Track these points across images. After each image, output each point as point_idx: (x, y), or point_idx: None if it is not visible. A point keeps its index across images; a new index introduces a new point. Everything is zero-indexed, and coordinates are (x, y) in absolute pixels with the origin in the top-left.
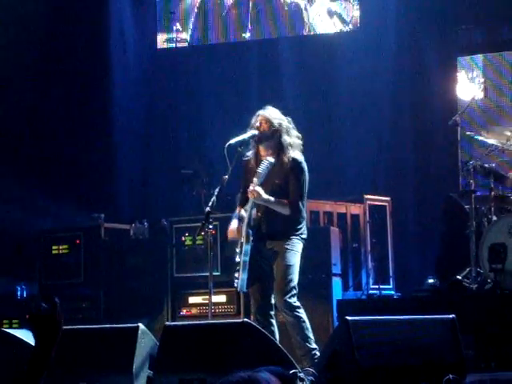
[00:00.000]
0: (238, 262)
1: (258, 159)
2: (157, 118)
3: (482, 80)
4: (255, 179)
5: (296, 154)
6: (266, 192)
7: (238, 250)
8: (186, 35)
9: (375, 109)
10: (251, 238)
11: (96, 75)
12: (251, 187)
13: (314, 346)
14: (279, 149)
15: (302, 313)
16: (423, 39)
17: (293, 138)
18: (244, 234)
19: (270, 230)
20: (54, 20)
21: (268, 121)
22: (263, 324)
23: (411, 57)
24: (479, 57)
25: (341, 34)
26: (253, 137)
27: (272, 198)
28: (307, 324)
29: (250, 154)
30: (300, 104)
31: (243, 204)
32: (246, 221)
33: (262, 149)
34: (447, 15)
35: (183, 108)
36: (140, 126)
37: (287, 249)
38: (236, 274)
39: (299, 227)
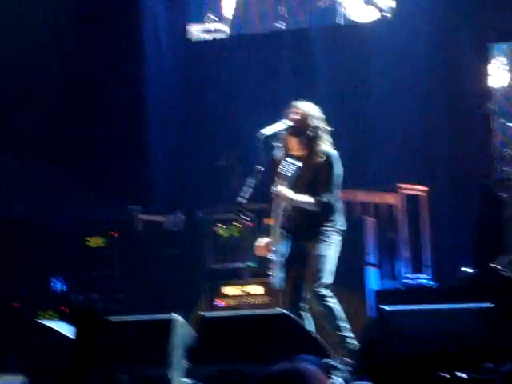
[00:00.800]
0: (272, 261)
1: (288, 154)
2: (192, 109)
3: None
4: (281, 182)
5: (329, 148)
6: (300, 190)
7: (265, 252)
8: (223, 26)
9: (409, 97)
10: (283, 237)
11: (130, 66)
12: (276, 189)
13: (345, 333)
14: (311, 145)
15: (330, 301)
16: (457, 26)
17: (325, 134)
18: (276, 233)
19: (302, 227)
20: (86, 12)
21: (306, 117)
22: (297, 316)
23: (445, 44)
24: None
25: (374, 23)
26: (287, 128)
27: (298, 198)
28: (337, 312)
29: (279, 150)
30: (333, 93)
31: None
32: (277, 222)
33: (293, 143)
34: (482, 2)
35: (218, 99)
36: (175, 117)
37: (320, 239)
38: (271, 272)
39: (332, 218)
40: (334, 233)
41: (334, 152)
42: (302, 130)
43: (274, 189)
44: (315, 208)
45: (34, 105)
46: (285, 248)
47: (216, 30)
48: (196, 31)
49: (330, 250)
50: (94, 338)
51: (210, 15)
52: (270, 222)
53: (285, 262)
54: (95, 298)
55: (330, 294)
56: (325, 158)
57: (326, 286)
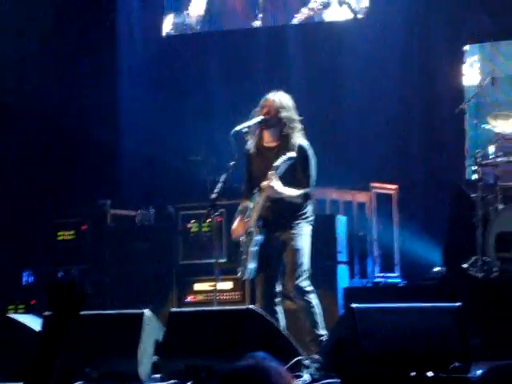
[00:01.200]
0: (244, 251)
1: (260, 145)
2: (164, 104)
3: (492, 69)
4: (272, 173)
5: (301, 140)
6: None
7: (243, 239)
8: (193, 21)
9: (382, 97)
10: (261, 228)
11: (102, 61)
12: (267, 182)
13: (321, 332)
14: (284, 136)
15: (312, 298)
16: (431, 27)
17: (297, 124)
18: (254, 224)
19: (277, 219)
20: (59, 8)
21: (277, 107)
22: (268, 312)
23: (419, 45)
24: (486, 45)
25: (349, 22)
26: (260, 123)
27: (287, 191)
28: (317, 309)
29: (251, 142)
30: (307, 91)
31: (248, 196)
32: (257, 212)
33: (266, 135)
34: (456, 3)
35: (191, 94)
36: (147, 111)
37: (294, 233)
38: (242, 263)
39: (305, 211)
40: (306, 224)
41: (306, 143)
42: (273, 121)
43: (266, 182)
44: (299, 200)
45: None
46: (260, 237)
47: (186, 26)
48: (168, 25)
49: (305, 241)
50: (69, 325)
51: (184, 11)
52: (245, 203)
53: (258, 252)
54: (75, 275)
55: (311, 287)
56: (298, 150)
57: (307, 278)
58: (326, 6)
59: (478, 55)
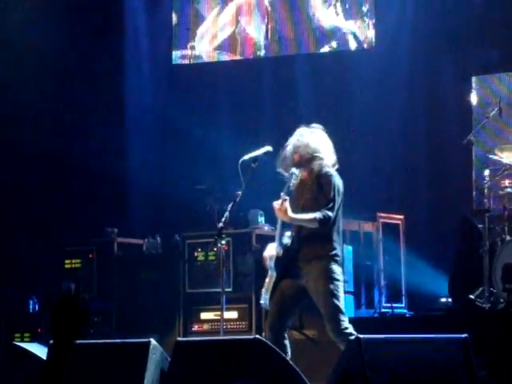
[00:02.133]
0: (267, 282)
1: (298, 181)
2: (171, 133)
3: (497, 100)
4: (282, 193)
5: (328, 167)
6: (297, 209)
7: (271, 265)
8: (200, 52)
9: (389, 127)
10: (280, 257)
11: (111, 90)
12: (275, 204)
13: None
14: (311, 167)
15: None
16: (438, 58)
17: (321, 159)
18: (276, 252)
19: (305, 251)
20: (69, 37)
21: (302, 153)
22: (275, 342)
23: (426, 76)
24: (492, 77)
25: (356, 52)
26: (266, 153)
27: (297, 216)
28: None
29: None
30: (313, 121)
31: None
32: (277, 239)
33: (303, 173)
34: (462, 35)
35: (198, 124)
36: (154, 140)
37: (327, 276)
38: (264, 290)
39: (333, 247)
40: (335, 264)
41: (334, 172)
42: (302, 162)
43: (275, 203)
44: (314, 225)
45: (21, 125)
46: (278, 265)
47: (195, 57)
48: (176, 56)
49: (338, 285)
50: (70, 346)
51: (191, 41)
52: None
53: (275, 281)
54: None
55: (352, 330)
56: (323, 175)
57: (347, 322)
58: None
59: (485, 85)
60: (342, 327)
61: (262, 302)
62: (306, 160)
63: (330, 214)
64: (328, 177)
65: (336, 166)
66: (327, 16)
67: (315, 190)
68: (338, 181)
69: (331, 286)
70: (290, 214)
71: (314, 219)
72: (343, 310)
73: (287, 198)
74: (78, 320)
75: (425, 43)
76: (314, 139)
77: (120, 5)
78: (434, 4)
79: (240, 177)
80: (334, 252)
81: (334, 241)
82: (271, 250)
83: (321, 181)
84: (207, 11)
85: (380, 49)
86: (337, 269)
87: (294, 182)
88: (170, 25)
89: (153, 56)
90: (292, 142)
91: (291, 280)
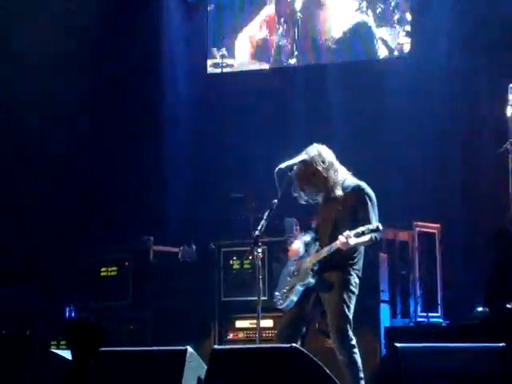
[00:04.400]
0: (289, 283)
1: (326, 197)
2: (206, 141)
3: None
4: (349, 233)
5: (355, 180)
6: (328, 229)
7: (294, 271)
8: (232, 60)
9: (424, 136)
10: (315, 272)
11: (146, 99)
12: (344, 238)
13: None
14: (328, 185)
15: (356, 353)
16: (474, 65)
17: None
18: (311, 266)
19: (327, 261)
20: (106, 46)
21: (302, 170)
22: None
23: (461, 83)
24: None
25: (390, 59)
26: (302, 162)
27: (359, 241)
28: (360, 364)
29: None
30: (347, 130)
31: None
32: (315, 258)
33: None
34: (498, 41)
35: (232, 132)
36: (190, 149)
37: (343, 286)
38: (283, 291)
39: (356, 257)
40: (354, 274)
41: (364, 184)
42: (318, 187)
43: (343, 238)
44: (369, 243)
45: (52, 139)
46: (312, 281)
47: (226, 65)
48: (210, 65)
49: (352, 297)
50: (90, 360)
51: (222, 50)
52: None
53: (302, 293)
54: (97, 320)
55: (354, 340)
56: (357, 191)
57: (350, 330)
58: None
59: None
60: (348, 338)
61: (276, 300)
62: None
63: (380, 227)
64: (363, 189)
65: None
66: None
67: (345, 206)
68: (371, 193)
69: (345, 297)
70: (353, 244)
71: (370, 240)
72: (351, 321)
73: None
74: (94, 341)
75: (460, 50)
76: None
77: (157, 14)
78: (469, 11)
79: (276, 185)
80: (354, 261)
81: (356, 254)
82: (299, 245)
83: (356, 197)
84: (241, 20)
85: (414, 56)
86: (354, 280)
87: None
88: (204, 34)
89: (188, 65)
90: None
91: (315, 290)
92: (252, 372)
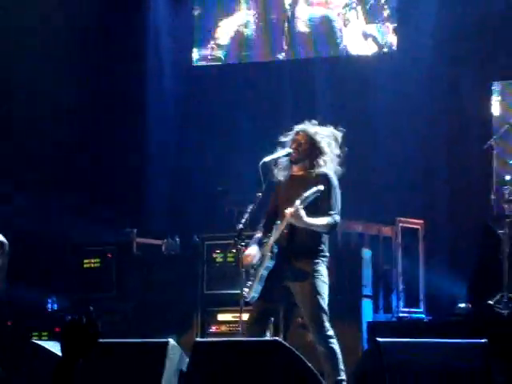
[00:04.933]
0: (253, 274)
1: (288, 176)
2: (191, 134)
3: None
4: (298, 201)
5: (326, 168)
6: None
7: (254, 262)
8: (219, 53)
9: (409, 132)
10: (274, 255)
11: (131, 91)
12: (293, 209)
13: (342, 376)
14: (312, 167)
15: (334, 343)
16: (459, 63)
17: (327, 155)
18: (269, 248)
19: (295, 248)
20: (90, 39)
21: (308, 139)
22: None
23: (447, 81)
24: None
25: (376, 56)
26: (288, 155)
27: (312, 220)
28: (339, 355)
29: (278, 173)
30: (333, 124)
31: (268, 228)
32: (275, 237)
33: (295, 168)
34: (484, 40)
35: (217, 125)
36: (174, 141)
37: (315, 276)
38: (249, 283)
39: (322, 248)
40: (323, 267)
41: (331, 172)
42: (302, 156)
43: (292, 209)
44: (325, 230)
45: (39, 129)
46: (272, 263)
47: (214, 58)
48: (194, 57)
49: (325, 286)
50: (82, 358)
51: (211, 43)
52: (262, 234)
53: (265, 278)
54: (93, 318)
55: (331, 331)
56: (322, 180)
57: (327, 321)
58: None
59: (507, 91)
60: (325, 328)
61: (249, 295)
62: (309, 151)
63: (338, 219)
64: (329, 179)
65: (340, 170)
66: (348, 20)
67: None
68: (336, 183)
69: (318, 287)
70: (306, 218)
71: (327, 225)
72: (327, 312)
73: (302, 205)
74: (87, 342)
75: (446, 48)
76: (322, 132)
77: (142, 5)
78: (456, 9)
79: (260, 178)
80: (322, 251)
81: (323, 242)
82: (254, 251)
83: (321, 182)
84: (227, 13)
85: (401, 53)
86: (324, 271)
87: (314, 195)
88: (191, 26)
89: (174, 57)
90: (301, 127)
91: (280, 278)
92: (234, 365)
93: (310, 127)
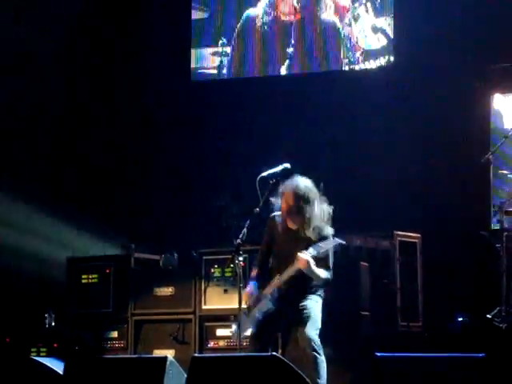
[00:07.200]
0: (248, 313)
1: (285, 227)
2: (189, 149)
3: None
4: (311, 249)
5: (325, 228)
6: (289, 257)
7: (251, 303)
8: (218, 69)
9: (407, 145)
10: (274, 299)
11: (130, 108)
12: (303, 255)
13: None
14: (305, 223)
15: (321, 351)
16: (458, 75)
17: (320, 210)
18: (271, 292)
19: (290, 293)
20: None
21: (294, 197)
22: None
23: (446, 93)
24: None
25: (371, 70)
26: (284, 170)
27: (317, 271)
28: (324, 364)
29: (277, 214)
30: (331, 139)
31: (262, 264)
32: (280, 281)
33: (289, 222)
34: (484, 52)
35: (215, 140)
36: (172, 156)
37: (308, 301)
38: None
39: (317, 289)
40: (318, 297)
41: (330, 232)
42: (293, 210)
43: (303, 255)
44: (321, 283)
45: (36, 145)
46: (271, 307)
47: (213, 73)
48: (194, 72)
49: (318, 307)
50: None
51: (210, 59)
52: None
53: (261, 321)
54: (88, 337)
55: (320, 345)
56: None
57: (318, 335)
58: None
59: (505, 105)
60: (316, 338)
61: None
62: (299, 213)
63: (331, 277)
64: (330, 242)
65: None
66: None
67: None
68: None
69: (313, 301)
70: (314, 267)
71: (326, 278)
72: (320, 322)
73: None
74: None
75: (445, 60)
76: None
77: (139, 21)
78: (455, 18)
79: (258, 193)
80: (318, 292)
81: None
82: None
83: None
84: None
85: (398, 64)
86: (319, 299)
87: (330, 246)
88: (188, 41)
89: (172, 72)
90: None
91: (276, 321)
92: (232, 380)
93: (294, 187)
